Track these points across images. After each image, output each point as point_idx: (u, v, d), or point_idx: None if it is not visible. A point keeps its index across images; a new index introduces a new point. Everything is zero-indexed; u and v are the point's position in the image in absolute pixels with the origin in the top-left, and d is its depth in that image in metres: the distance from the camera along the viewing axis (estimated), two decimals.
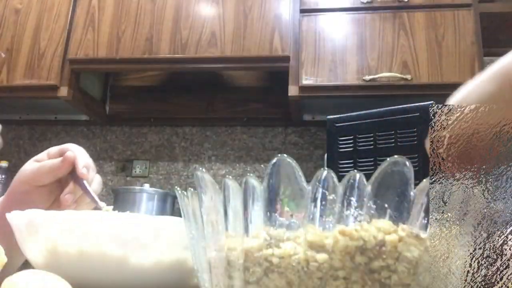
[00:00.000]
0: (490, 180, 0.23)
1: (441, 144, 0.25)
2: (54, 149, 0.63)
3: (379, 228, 0.27)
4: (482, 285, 0.23)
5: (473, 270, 0.23)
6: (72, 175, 0.60)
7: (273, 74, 2.11)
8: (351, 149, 1.40)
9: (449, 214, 0.24)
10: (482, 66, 1.64)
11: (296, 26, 1.78)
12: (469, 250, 0.23)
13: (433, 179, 0.25)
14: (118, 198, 1.88)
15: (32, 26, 1.92)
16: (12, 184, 0.62)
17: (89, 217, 0.42)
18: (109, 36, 1.86)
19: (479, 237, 0.23)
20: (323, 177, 0.28)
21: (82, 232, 0.40)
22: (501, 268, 0.23)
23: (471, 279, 0.23)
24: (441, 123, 0.25)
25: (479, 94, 0.39)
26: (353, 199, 0.27)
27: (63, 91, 1.82)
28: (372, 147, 1.35)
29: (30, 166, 0.61)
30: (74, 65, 1.86)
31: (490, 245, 0.23)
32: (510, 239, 0.23)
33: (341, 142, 1.42)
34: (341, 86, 1.68)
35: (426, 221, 0.27)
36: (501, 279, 0.23)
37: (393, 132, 1.33)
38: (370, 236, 0.27)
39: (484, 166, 0.24)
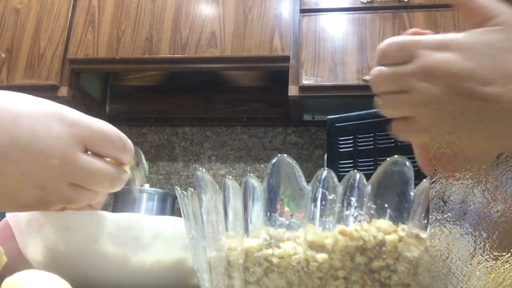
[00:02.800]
0: (490, 180, 0.23)
1: (440, 144, 0.25)
2: None
3: (379, 228, 0.27)
4: (482, 285, 0.23)
5: (473, 270, 0.23)
6: None
7: (273, 74, 2.11)
8: (351, 149, 1.40)
9: (449, 214, 0.24)
10: None
11: (296, 26, 1.78)
12: (469, 250, 0.23)
13: (433, 179, 0.25)
14: (118, 198, 1.88)
15: (32, 26, 1.92)
16: None
17: (89, 217, 0.42)
18: (109, 36, 1.86)
19: (479, 237, 0.23)
20: (323, 177, 0.28)
21: (82, 232, 0.40)
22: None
23: (471, 279, 0.23)
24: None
25: None
26: (353, 199, 0.27)
27: (63, 91, 1.82)
28: (372, 147, 1.35)
29: None
30: (74, 65, 1.87)
31: (490, 245, 0.23)
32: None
33: (341, 142, 1.42)
34: (341, 86, 1.68)
35: (426, 221, 0.27)
36: (503, 279, 0.23)
37: None
38: (370, 236, 0.27)
39: (484, 166, 0.24)
